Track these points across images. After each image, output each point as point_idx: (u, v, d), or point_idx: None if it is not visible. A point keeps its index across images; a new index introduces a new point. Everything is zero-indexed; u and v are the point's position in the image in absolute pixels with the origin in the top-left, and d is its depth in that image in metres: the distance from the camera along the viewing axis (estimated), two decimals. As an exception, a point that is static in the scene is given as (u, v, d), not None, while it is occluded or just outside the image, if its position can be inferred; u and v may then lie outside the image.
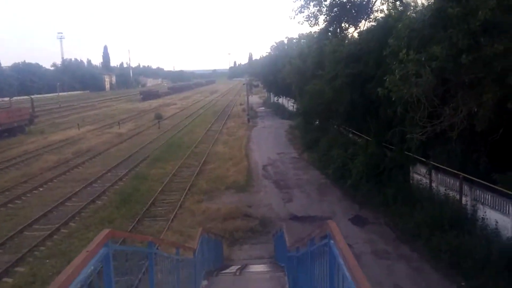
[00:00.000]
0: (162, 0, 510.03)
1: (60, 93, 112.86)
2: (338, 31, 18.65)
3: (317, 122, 32.69)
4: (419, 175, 17.19)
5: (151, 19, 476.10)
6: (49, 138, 42.36)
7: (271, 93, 71.20)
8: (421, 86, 9.22)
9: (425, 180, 16.60)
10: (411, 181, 17.71)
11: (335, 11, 17.82)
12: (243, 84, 69.09)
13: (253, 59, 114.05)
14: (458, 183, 14.33)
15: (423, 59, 9.35)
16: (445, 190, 15.01)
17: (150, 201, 19.91)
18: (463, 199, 13.99)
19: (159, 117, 52.08)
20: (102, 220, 17.76)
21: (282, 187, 21.91)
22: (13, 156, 32.88)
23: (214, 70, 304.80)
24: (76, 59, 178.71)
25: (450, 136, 14.03)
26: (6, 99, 66.54)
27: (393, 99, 10.83)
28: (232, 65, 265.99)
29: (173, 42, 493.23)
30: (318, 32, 18.49)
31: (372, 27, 19.31)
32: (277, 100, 64.63)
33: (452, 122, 9.86)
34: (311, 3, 17.56)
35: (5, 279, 13.09)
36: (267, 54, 66.87)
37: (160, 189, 21.99)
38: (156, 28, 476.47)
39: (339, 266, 2.95)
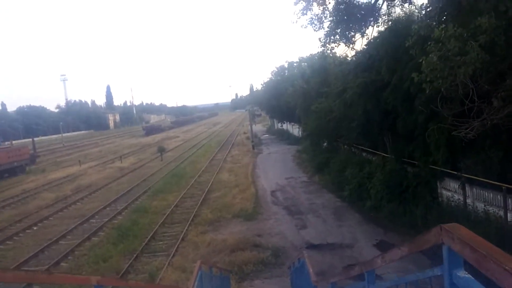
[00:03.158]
0: (162, 39, 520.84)
1: (65, 134, 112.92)
2: (344, 36, 17.14)
3: (326, 144, 31.08)
4: (449, 190, 15.25)
5: (152, 57, 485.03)
6: (49, 176, 41.68)
7: (275, 120, 70.02)
8: (469, 65, 7.51)
9: (458, 196, 14.63)
10: (440, 198, 15.75)
11: (340, 14, 16.41)
12: (245, 110, 67.96)
13: (254, 89, 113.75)
14: (499, 197, 12.39)
15: (465, 35, 7.71)
16: (484, 206, 13.03)
17: (150, 235, 18.08)
18: (508, 215, 12.00)
19: (162, 150, 50.67)
20: (96, 258, 16.03)
21: (294, 213, 19.96)
22: (10, 196, 32.12)
23: (217, 104, 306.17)
24: (80, 100, 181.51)
25: (484, 144, 12.30)
26: (8, 142, 66.13)
27: (427, 91, 9.10)
28: (234, 97, 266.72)
29: (175, 78, 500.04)
30: (324, 35, 16.97)
31: (381, 32, 17.87)
32: (281, 126, 63.35)
33: (507, 113, 8.02)
34: (314, 3, 16.13)
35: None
36: (268, 79, 65.92)
37: (161, 221, 20.19)
38: (158, 66, 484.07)
39: None
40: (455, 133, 8.89)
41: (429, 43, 8.41)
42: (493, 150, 12.36)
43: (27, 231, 21.57)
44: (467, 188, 14.02)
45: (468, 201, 13.98)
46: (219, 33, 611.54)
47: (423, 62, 8.36)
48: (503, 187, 11.87)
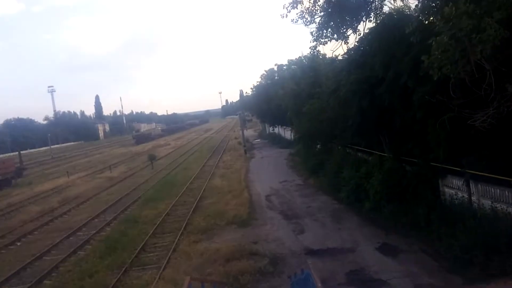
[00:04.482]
0: (151, 48, 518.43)
1: (54, 146, 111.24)
2: (337, 31, 16.46)
3: (319, 145, 30.40)
4: (452, 188, 14.57)
5: (141, 66, 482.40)
6: (36, 188, 40.71)
7: (266, 124, 69.37)
8: (487, 43, 6.78)
9: (461, 194, 13.94)
10: (442, 197, 15.07)
11: (332, 7, 15.70)
12: (237, 114, 67.43)
13: (244, 94, 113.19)
14: (508, 193, 11.70)
15: (478, 12, 7.00)
16: (492, 203, 12.32)
17: (140, 247, 17.16)
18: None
19: (152, 158, 49.65)
20: (82, 274, 15.13)
21: (291, 217, 19.15)
22: (-6, 211, 30.59)
23: (207, 111, 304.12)
24: (69, 111, 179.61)
25: (488, 138, 11.59)
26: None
27: (435, 78, 8.38)
28: (224, 103, 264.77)
29: (165, 87, 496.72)
30: (316, 28, 16.29)
31: (374, 27, 17.21)
32: (273, 130, 62.69)
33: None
34: (305, -5, 15.43)
35: None
36: (258, 83, 65.27)
37: (151, 231, 19.27)
38: (147, 74, 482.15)
39: None
40: (470, 122, 8.14)
41: (437, 23, 7.69)
42: (498, 144, 11.71)
43: (10, 247, 20.71)
44: (471, 185, 13.36)
45: (473, 198, 13.31)
46: (207, 40, 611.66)
47: (433, 43, 7.64)
48: (513, 182, 11.19)
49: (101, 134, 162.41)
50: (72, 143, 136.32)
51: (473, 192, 13.30)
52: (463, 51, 7.30)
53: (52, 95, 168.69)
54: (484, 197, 12.79)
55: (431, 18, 9.51)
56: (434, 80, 11.41)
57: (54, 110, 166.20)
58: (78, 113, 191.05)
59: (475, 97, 8.12)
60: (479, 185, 12.96)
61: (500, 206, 11.96)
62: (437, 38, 7.59)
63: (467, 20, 7.02)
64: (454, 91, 8.29)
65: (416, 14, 9.39)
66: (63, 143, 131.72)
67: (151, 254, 16.60)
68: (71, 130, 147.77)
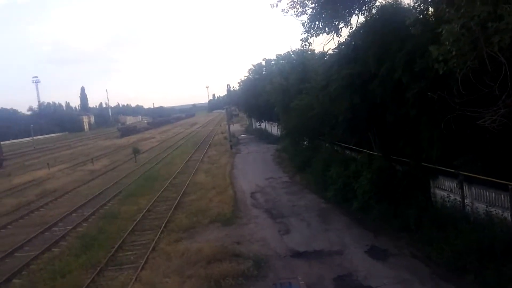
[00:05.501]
0: (139, 40, 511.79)
1: (38, 137, 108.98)
2: (329, 24, 15.82)
3: (306, 142, 29.81)
4: (444, 190, 14.07)
5: (129, 58, 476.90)
6: (14, 180, 39.33)
7: (253, 119, 68.60)
8: (506, 33, 6.12)
9: (454, 196, 13.45)
10: (433, 199, 14.56)
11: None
12: (223, 109, 66.75)
13: (232, 89, 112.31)
14: (503, 197, 11.18)
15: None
16: (486, 207, 11.80)
17: (117, 245, 16.32)
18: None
19: (136, 151, 48.50)
20: (54, 273, 14.19)
21: (276, 216, 18.47)
22: (-32, 202, 29.24)
23: (194, 105, 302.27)
24: (54, 103, 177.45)
25: (484, 139, 11.04)
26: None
27: (440, 72, 7.71)
28: (211, 98, 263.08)
29: (152, 80, 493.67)
30: (308, 19, 15.61)
31: (367, 21, 16.57)
32: (260, 125, 61.99)
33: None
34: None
35: None
36: (246, 77, 64.39)
37: (130, 228, 18.40)
38: (134, 67, 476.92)
39: None
40: (480, 122, 7.48)
41: (447, 10, 6.99)
42: (499, 145, 11.15)
43: (-19, 242, 19.59)
44: (465, 187, 12.82)
45: (467, 201, 12.79)
46: (195, 33, 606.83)
47: (443, 32, 6.95)
48: (510, 186, 10.64)
49: (86, 126, 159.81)
50: (56, 134, 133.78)
51: (466, 195, 12.78)
52: (473, 42, 6.65)
53: (36, 86, 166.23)
54: (478, 200, 12.26)
55: (435, 8, 8.83)
56: (430, 76, 10.81)
57: (39, 101, 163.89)
58: (63, 104, 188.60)
59: (481, 95, 7.49)
60: (473, 188, 12.43)
61: (495, 210, 11.45)
62: (447, 27, 6.90)
63: (481, 7, 6.35)
64: (459, 87, 7.61)
65: (417, 3, 8.70)
66: (47, 134, 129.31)
67: (129, 253, 15.74)
68: (55, 122, 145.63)
